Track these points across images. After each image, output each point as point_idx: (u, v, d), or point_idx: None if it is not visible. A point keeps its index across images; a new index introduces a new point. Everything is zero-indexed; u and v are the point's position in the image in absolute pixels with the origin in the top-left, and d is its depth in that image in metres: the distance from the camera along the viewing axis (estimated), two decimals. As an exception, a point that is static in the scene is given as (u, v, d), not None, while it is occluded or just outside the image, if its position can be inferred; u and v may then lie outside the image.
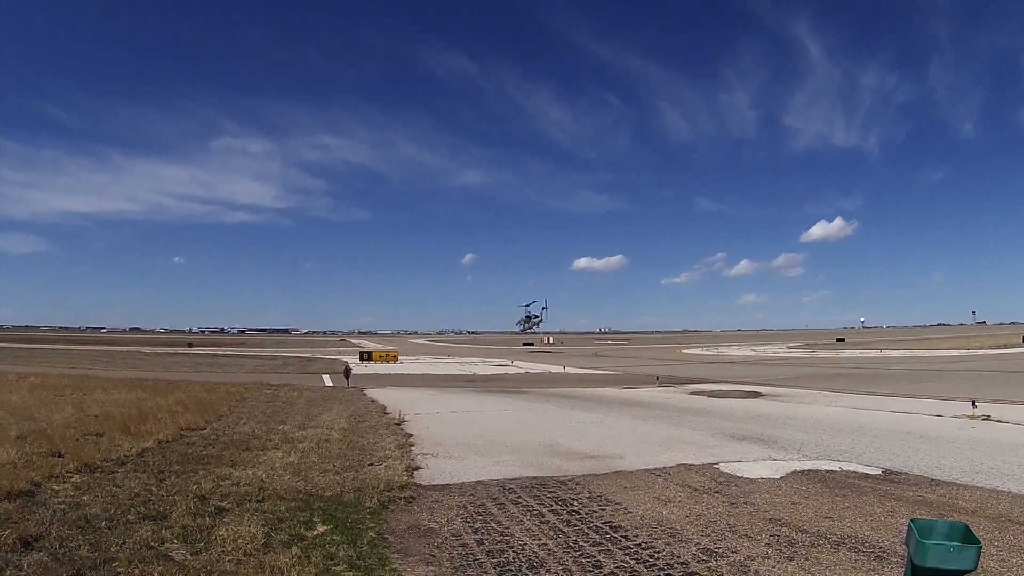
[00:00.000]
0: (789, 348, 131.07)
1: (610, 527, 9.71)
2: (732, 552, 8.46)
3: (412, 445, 17.17)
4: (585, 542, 8.94)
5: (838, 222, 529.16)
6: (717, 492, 12.04)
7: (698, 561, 8.13)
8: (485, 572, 7.83)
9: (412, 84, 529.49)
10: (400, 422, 21.54)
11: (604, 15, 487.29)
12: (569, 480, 13.12)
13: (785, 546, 8.67)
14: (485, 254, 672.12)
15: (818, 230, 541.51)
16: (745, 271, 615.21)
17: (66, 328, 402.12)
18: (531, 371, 64.66)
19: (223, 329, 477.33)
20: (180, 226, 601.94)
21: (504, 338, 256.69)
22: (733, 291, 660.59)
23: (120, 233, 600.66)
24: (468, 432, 19.95)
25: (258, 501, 10.76)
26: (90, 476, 12.23)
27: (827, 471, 13.96)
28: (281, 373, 55.83)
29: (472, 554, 8.42)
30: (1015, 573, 7.61)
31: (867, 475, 13.60)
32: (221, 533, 8.66)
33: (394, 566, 7.96)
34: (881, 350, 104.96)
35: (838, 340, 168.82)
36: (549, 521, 10.03)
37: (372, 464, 14.30)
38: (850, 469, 14.19)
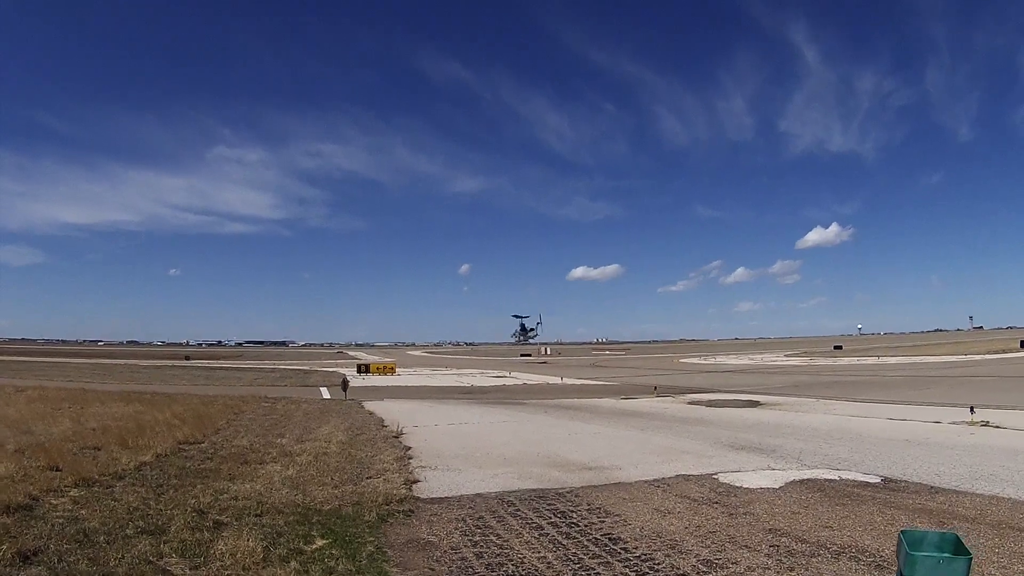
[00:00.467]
0: (786, 356, 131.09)
1: (609, 539, 9.69)
2: (732, 563, 8.45)
3: (410, 458, 17.15)
4: (584, 554, 8.92)
5: (834, 228, 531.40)
6: (716, 503, 12.02)
7: (698, 573, 8.11)
8: (484, 585, 7.83)
9: (409, 91, 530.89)
10: (398, 435, 21.52)
11: (600, 20, 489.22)
12: (568, 492, 13.10)
13: (785, 556, 8.66)
14: (482, 264, 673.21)
15: (814, 236, 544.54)
16: (741, 278, 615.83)
17: (63, 341, 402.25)
18: (529, 382, 64.70)
19: (220, 342, 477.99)
20: (177, 237, 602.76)
21: (502, 349, 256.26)
22: (730, 299, 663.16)
23: (116, 244, 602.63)
24: (466, 444, 19.93)
25: (257, 515, 10.73)
26: (88, 490, 12.19)
27: (826, 480, 13.96)
28: (279, 386, 55.79)
29: (471, 567, 8.40)
30: (1015, 582, 7.61)
31: (866, 483, 13.60)
32: (220, 547, 8.64)
33: (393, 580, 7.96)
34: (879, 357, 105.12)
35: (835, 347, 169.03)
36: (548, 534, 10.01)
37: (370, 477, 14.29)
38: (849, 478, 14.19)
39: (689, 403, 36.50)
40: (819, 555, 8.69)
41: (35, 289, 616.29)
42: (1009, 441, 18.86)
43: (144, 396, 36.03)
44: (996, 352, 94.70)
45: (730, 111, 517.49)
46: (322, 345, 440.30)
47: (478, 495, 12.85)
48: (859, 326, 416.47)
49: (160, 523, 9.97)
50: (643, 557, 8.77)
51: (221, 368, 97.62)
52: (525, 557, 8.81)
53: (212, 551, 8.58)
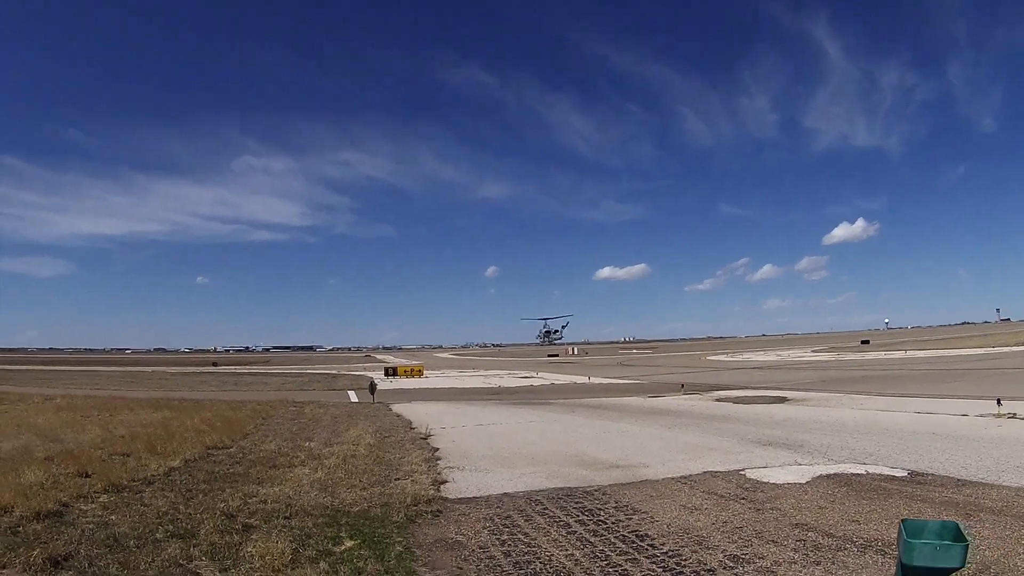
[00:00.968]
0: (814, 352, 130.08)
1: (636, 536, 9.70)
2: (759, 558, 8.43)
3: (438, 459, 17.20)
4: (612, 552, 8.93)
5: (860, 223, 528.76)
6: (743, 498, 11.99)
7: (725, 568, 8.11)
8: (512, 583, 7.86)
9: (432, 98, 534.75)
10: (426, 436, 21.56)
11: (621, 23, 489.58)
12: (595, 490, 13.10)
13: (812, 551, 8.63)
14: (508, 266, 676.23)
15: (840, 232, 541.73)
16: (768, 275, 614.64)
17: (91, 350, 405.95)
18: (556, 382, 64.53)
19: (248, 348, 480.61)
20: (204, 246, 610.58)
21: (529, 350, 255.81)
22: (757, 296, 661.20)
23: (144, 254, 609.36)
24: (494, 445, 19.96)
25: (285, 518, 10.82)
26: (118, 496, 12.33)
27: (853, 474, 13.87)
28: (307, 390, 56.00)
29: (499, 566, 8.44)
30: (1045, 573, 7.54)
31: (893, 477, 13.51)
32: (249, 550, 8.72)
33: (421, 579, 8.01)
34: (906, 351, 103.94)
35: (863, 342, 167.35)
36: (576, 531, 10.03)
37: (399, 479, 14.35)
38: (876, 472, 14.10)
39: (716, 400, 36.31)
40: (846, 549, 8.65)
41: (63, 300, 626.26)
42: (1037, 433, 18.64)
43: (172, 402, 36.30)
44: (1023, 344, 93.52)
45: (754, 109, 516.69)
46: (349, 349, 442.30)
47: (506, 494, 12.88)
48: (886, 320, 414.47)
49: (189, 527, 10.07)
50: (670, 553, 8.77)
51: (249, 373, 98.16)
52: (553, 555, 8.84)
53: (241, 553, 8.67)
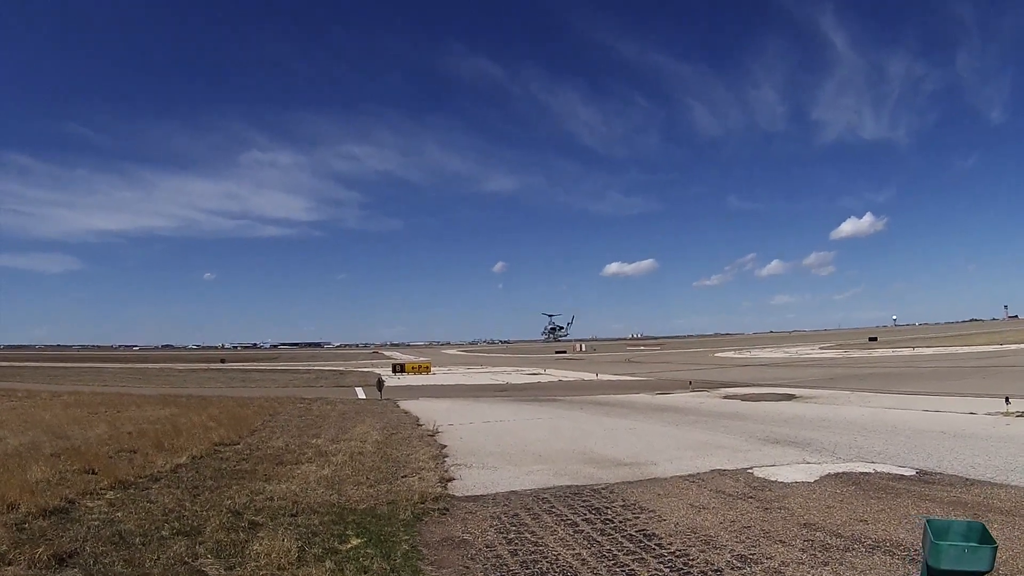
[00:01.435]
0: (822, 349, 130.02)
1: (644, 535, 9.65)
2: (767, 558, 8.38)
3: (446, 456, 17.20)
4: (619, 551, 8.89)
5: (868, 218, 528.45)
6: (751, 497, 11.94)
7: (732, 568, 8.06)
8: (518, 583, 7.83)
9: (439, 90, 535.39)
10: (433, 433, 21.56)
11: (628, 13, 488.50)
12: (603, 488, 13.06)
13: (820, 551, 8.58)
14: (516, 262, 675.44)
15: (848, 227, 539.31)
16: (776, 271, 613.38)
17: (98, 346, 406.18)
18: (564, 379, 64.72)
19: (256, 344, 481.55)
20: (211, 241, 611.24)
21: (536, 347, 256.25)
22: (765, 292, 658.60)
23: (151, 250, 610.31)
24: (501, 442, 19.96)
25: (292, 515, 10.80)
26: (124, 492, 12.33)
27: (861, 473, 13.82)
28: (314, 387, 56.19)
29: (506, 565, 8.41)
30: (1056, 574, 7.48)
31: (901, 476, 13.46)
32: (255, 548, 8.69)
33: (428, 578, 7.98)
34: (914, 348, 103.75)
35: (871, 339, 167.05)
36: (583, 530, 10.00)
37: (406, 476, 14.34)
38: (884, 471, 14.04)
39: (724, 397, 36.32)
40: (854, 549, 8.60)
41: (71, 296, 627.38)
42: (1047, 431, 18.56)
43: (180, 399, 36.46)
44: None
45: (761, 101, 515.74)
46: (357, 346, 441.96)
47: (513, 492, 12.86)
48: (894, 317, 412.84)
49: (195, 524, 10.06)
50: (678, 553, 8.73)
51: (256, 370, 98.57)
52: (560, 554, 8.80)
53: (247, 551, 8.65)
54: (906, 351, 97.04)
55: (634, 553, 8.79)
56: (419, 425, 24.25)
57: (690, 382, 48.39)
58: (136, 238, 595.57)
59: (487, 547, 9.24)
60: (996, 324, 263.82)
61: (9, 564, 8.01)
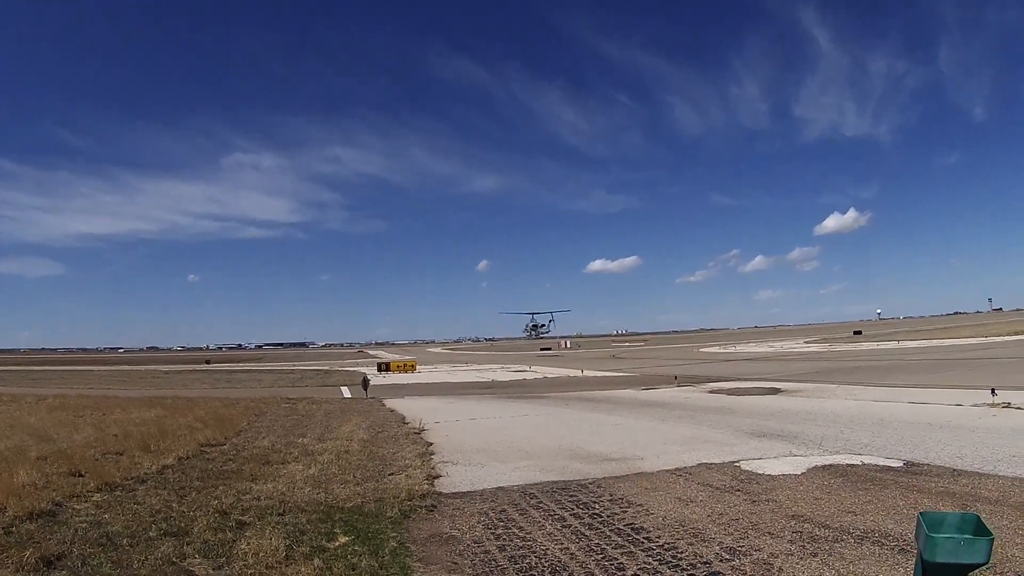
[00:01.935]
0: (806, 342, 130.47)
1: (632, 529, 9.66)
2: (755, 550, 8.40)
3: (432, 454, 17.17)
4: (607, 545, 8.89)
5: (851, 213, 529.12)
6: (739, 490, 11.97)
7: (721, 560, 8.07)
8: (507, 578, 7.82)
9: (422, 92, 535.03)
10: (420, 431, 21.52)
11: (609, 12, 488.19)
12: (590, 483, 13.07)
13: (808, 542, 8.60)
14: (500, 260, 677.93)
15: (832, 222, 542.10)
16: (760, 267, 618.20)
17: (83, 349, 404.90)
18: (549, 376, 64.73)
19: (240, 345, 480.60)
20: (195, 244, 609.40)
21: (521, 344, 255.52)
22: (749, 287, 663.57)
23: (135, 253, 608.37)
24: (488, 439, 19.95)
25: (279, 514, 10.75)
26: (111, 494, 12.25)
27: (848, 465, 13.87)
28: (299, 386, 56.04)
29: (494, 560, 8.40)
30: (1042, 561, 7.52)
31: (889, 468, 13.51)
32: (242, 547, 8.65)
33: (416, 575, 7.96)
34: (899, 341, 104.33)
35: (855, 333, 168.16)
36: (571, 525, 9.99)
37: (392, 474, 14.32)
38: (871, 462, 14.09)
39: (710, 392, 36.41)
40: (842, 540, 8.62)
41: (55, 300, 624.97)
42: (1032, 422, 18.67)
43: (165, 401, 36.25)
44: (1016, 334, 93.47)
45: (744, 98, 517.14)
46: (342, 345, 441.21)
47: (500, 488, 12.85)
48: (878, 311, 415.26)
49: (183, 525, 9.99)
50: (666, 546, 8.73)
51: (241, 371, 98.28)
52: (548, 549, 8.79)
53: (235, 551, 8.60)
54: (891, 344, 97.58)
55: (622, 547, 8.78)
56: (405, 423, 24.22)
57: (676, 377, 48.49)
58: (120, 241, 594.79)
59: (475, 543, 9.22)
60: (980, 317, 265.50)
61: (-4, 567, 7.95)
